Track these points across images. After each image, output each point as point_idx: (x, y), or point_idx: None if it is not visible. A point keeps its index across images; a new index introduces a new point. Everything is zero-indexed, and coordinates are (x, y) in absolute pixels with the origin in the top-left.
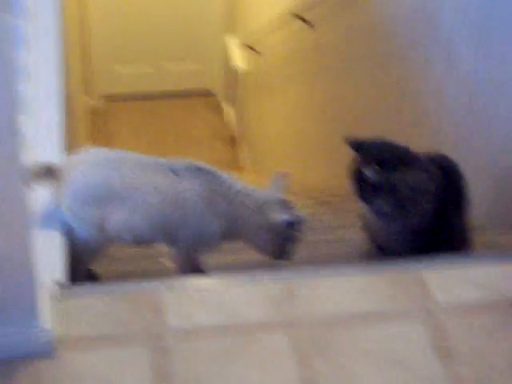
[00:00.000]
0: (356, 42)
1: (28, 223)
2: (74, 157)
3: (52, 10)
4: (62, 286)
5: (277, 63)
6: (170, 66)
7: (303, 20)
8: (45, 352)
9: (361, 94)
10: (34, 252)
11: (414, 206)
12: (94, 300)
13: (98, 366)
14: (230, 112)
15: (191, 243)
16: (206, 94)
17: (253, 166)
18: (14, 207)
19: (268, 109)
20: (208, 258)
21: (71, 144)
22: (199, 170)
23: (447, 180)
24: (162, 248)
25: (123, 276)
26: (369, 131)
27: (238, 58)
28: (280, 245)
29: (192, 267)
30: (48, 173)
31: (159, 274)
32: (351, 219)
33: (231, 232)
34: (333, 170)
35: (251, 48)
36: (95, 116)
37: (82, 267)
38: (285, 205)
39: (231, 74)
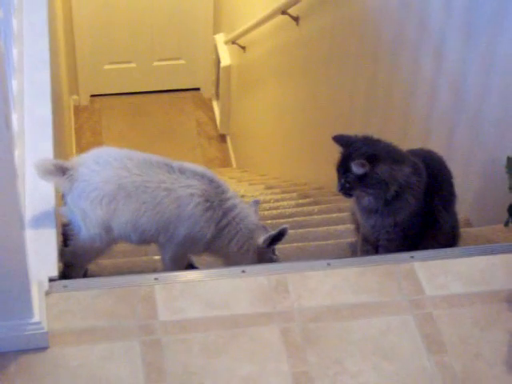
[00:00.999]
0: (343, 36)
1: (21, 220)
2: (83, 155)
3: (40, 7)
4: (54, 280)
5: (263, 59)
6: (157, 64)
7: (289, 15)
8: (37, 345)
9: (348, 90)
10: (27, 248)
11: (400, 201)
12: (85, 294)
13: (90, 359)
14: (218, 109)
15: (181, 243)
16: (194, 92)
17: (238, 162)
18: (7, 203)
19: (254, 105)
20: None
21: (60, 141)
22: (205, 175)
23: (433, 175)
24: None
25: (114, 270)
26: (356, 127)
27: (225, 55)
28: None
29: (180, 266)
30: (57, 170)
31: (150, 268)
32: (335, 213)
33: (215, 243)
34: (318, 165)
35: (238, 45)
36: (83, 114)
37: (83, 265)
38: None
39: (219, 71)
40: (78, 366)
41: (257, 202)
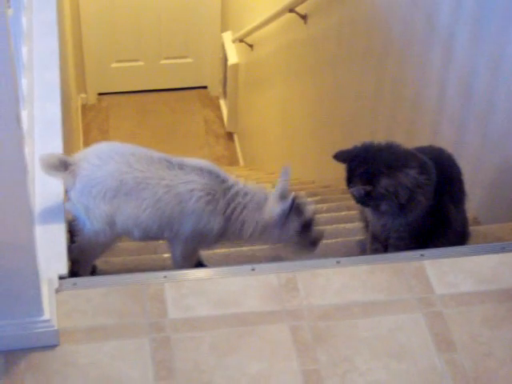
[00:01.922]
0: (351, 35)
1: (31, 217)
2: (86, 150)
3: (50, 6)
4: (64, 278)
5: (271, 58)
6: (165, 62)
7: (296, 13)
8: (47, 343)
9: (356, 88)
10: (37, 245)
11: (412, 202)
12: (95, 292)
13: (99, 357)
14: (225, 107)
15: (190, 238)
16: (201, 90)
17: (245, 160)
18: (18, 201)
19: (262, 103)
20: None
21: (68, 140)
22: (204, 169)
23: (443, 173)
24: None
25: (124, 268)
26: (364, 126)
27: (233, 53)
28: (294, 236)
29: (190, 262)
30: (61, 165)
31: (159, 266)
32: (344, 211)
33: (227, 232)
34: (326, 164)
35: (245, 43)
36: (90, 112)
37: (89, 261)
38: (284, 196)
39: (226, 70)
40: (87, 363)
41: (286, 172)
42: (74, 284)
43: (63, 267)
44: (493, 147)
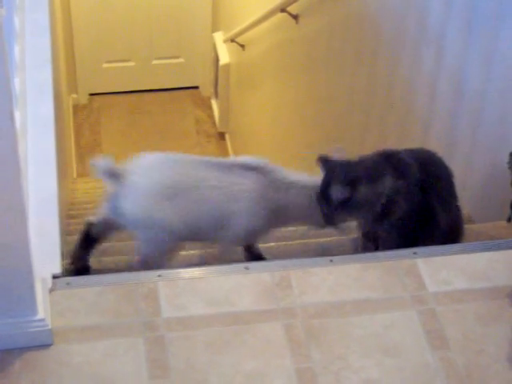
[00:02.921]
0: (342, 34)
1: (25, 217)
2: (132, 164)
3: (42, 6)
4: (57, 278)
5: (262, 58)
6: (156, 62)
7: (288, 13)
8: (41, 342)
9: (347, 88)
10: (31, 245)
11: (392, 205)
12: (88, 291)
13: (92, 356)
14: (217, 108)
15: (242, 237)
16: (192, 90)
17: None
18: (11, 200)
19: (253, 103)
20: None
21: (60, 139)
22: (251, 166)
23: (430, 174)
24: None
25: (117, 268)
26: (355, 125)
27: (224, 54)
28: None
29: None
30: (112, 176)
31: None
32: None
33: (281, 220)
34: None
35: (237, 43)
36: (82, 113)
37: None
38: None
39: (217, 70)
40: (81, 362)
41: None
42: (68, 283)
43: (57, 266)
44: (484, 147)
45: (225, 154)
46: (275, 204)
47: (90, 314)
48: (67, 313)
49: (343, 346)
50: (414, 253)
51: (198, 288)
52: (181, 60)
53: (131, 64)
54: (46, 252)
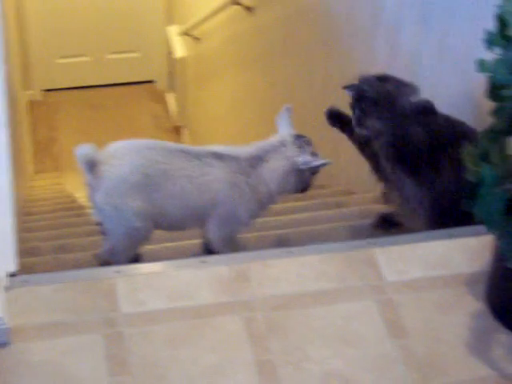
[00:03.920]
0: (297, 25)
1: None
2: (103, 153)
3: None
4: (14, 276)
5: (218, 50)
6: (111, 57)
7: (241, 5)
8: None
9: (305, 78)
10: None
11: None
12: (47, 289)
13: (52, 354)
14: (173, 101)
15: (224, 226)
16: (148, 85)
17: None
18: None
19: (211, 95)
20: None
21: (14, 136)
22: (217, 154)
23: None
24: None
25: (77, 264)
26: (316, 114)
27: (179, 47)
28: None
29: (232, 246)
30: (90, 165)
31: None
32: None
33: (262, 199)
34: None
35: (192, 36)
36: (38, 109)
37: (126, 259)
38: (300, 145)
39: (173, 63)
40: (40, 361)
41: (288, 110)
42: (25, 281)
43: (12, 264)
44: None
45: None
46: (249, 185)
47: (49, 312)
48: (25, 311)
49: (303, 337)
50: (372, 243)
51: (156, 283)
52: (136, 54)
53: (86, 59)
54: (2, 250)
